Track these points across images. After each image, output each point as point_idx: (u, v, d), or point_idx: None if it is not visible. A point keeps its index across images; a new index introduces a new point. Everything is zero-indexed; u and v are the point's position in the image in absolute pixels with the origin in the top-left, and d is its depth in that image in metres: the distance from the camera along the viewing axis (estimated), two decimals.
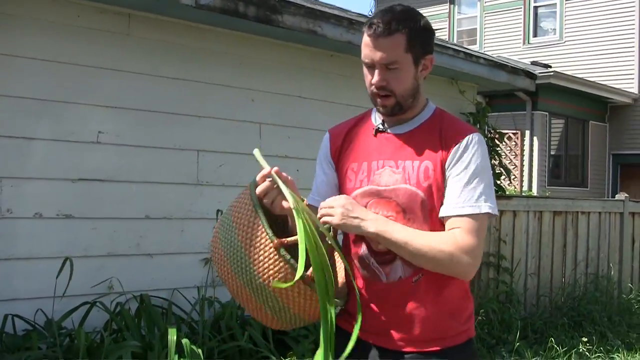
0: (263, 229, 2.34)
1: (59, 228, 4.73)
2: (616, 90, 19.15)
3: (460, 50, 7.43)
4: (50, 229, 4.69)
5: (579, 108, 18.87)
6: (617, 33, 19.80)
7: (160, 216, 5.19)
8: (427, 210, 2.44)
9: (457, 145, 2.45)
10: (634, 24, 19.59)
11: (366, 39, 2.45)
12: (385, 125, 2.58)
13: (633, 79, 19.65)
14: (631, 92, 19.52)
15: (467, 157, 2.44)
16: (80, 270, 4.63)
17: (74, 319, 4.62)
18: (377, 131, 2.58)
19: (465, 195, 2.40)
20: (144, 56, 5.16)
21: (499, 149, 8.33)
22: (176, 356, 4.31)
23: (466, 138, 2.46)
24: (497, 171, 8.24)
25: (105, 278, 4.90)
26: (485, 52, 14.80)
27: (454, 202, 2.40)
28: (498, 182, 8.40)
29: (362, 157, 2.58)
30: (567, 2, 20.80)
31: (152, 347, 4.46)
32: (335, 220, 2.36)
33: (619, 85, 19.48)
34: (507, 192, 10.81)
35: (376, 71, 2.44)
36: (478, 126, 7.88)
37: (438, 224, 2.44)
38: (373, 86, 2.47)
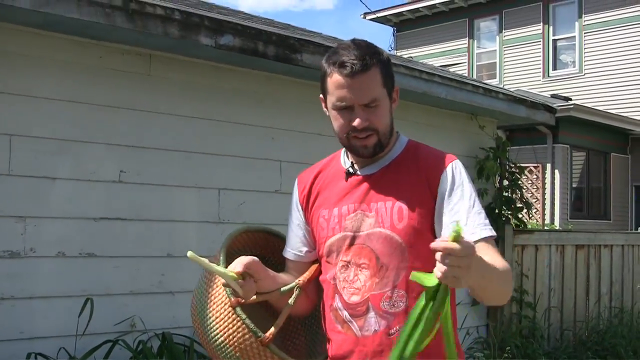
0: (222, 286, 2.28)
1: (81, 267, 4.75)
2: (637, 121, 19.10)
3: (479, 86, 7.45)
4: (72, 267, 4.72)
5: (600, 140, 18.82)
6: (637, 64, 19.76)
7: (182, 254, 5.15)
8: (404, 254, 2.29)
9: (443, 175, 2.33)
10: None
11: (340, 80, 2.28)
12: (355, 167, 2.45)
13: None
14: None
15: (458, 183, 2.33)
16: (103, 308, 4.65)
17: (97, 358, 4.63)
18: (348, 174, 2.45)
19: (473, 220, 2.27)
20: (165, 95, 5.21)
21: (520, 182, 8.30)
22: None
23: (450, 166, 2.36)
24: (518, 205, 8.21)
25: (127, 316, 4.91)
26: (505, 86, 14.82)
27: (467, 229, 2.22)
28: (520, 215, 8.37)
29: (332, 203, 2.44)
30: (585, 34, 20.83)
31: None
32: (464, 281, 1.92)
33: (639, 116, 19.41)
34: (529, 226, 10.76)
35: (357, 112, 2.29)
36: (499, 161, 7.88)
37: (415, 267, 2.18)
38: (350, 129, 2.32)
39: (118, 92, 4.98)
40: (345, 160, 2.51)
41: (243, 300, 2.23)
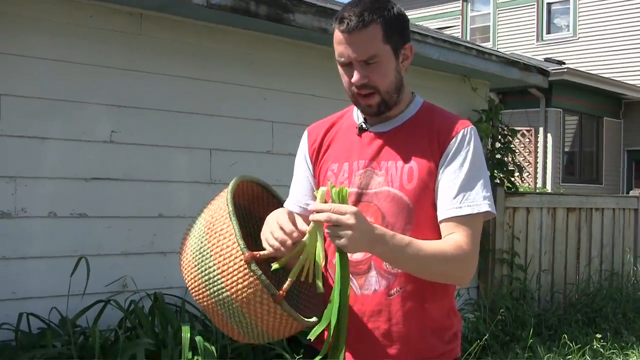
0: (235, 239, 2.16)
1: (73, 227, 4.76)
2: (630, 86, 19.10)
3: (472, 48, 7.43)
4: (64, 228, 4.72)
5: (593, 105, 18.83)
6: (631, 29, 19.76)
7: (173, 215, 5.21)
8: (411, 215, 2.28)
9: (452, 141, 2.30)
10: None
11: (339, 36, 2.26)
12: (368, 123, 2.41)
13: None
14: None
15: (463, 153, 2.28)
16: (94, 268, 4.65)
17: (89, 317, 4.64)
18: (361, 130, 2.41)
19: (463, 194, 2.25)
20: (156, 56, 5.19)
21: (512, 145, 8.31)
22: (190, 353, 4.34)
23: (461, 132, 2.31)
24: (510, 168, 8.23)
25: (119, 276, 4.92)
26: (499, 50, 14.78)
27: (451, 203, 2.26)
28: (512, 179, 8.38)
29: (343, 157, 2.41)
30: None
31: (165, 345, 4.48)
32: (346, 246, 2.05)
33: (633, 81, 19.43)
34: (521, 189, 10.78)
35: (355, 68, 2.26)
36: (491, 123, 7.87)
37: (421, 229, 2.28)
38: (353, 86, 2.29)
39: (109, 51, 4.95)
40: (358, 115, 2.46)
41: (258, 255, 2.15)
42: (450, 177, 2.28)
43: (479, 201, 2.26)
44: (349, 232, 2.02)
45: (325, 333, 2.20)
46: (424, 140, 2.34)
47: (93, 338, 4.26)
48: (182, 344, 4.34)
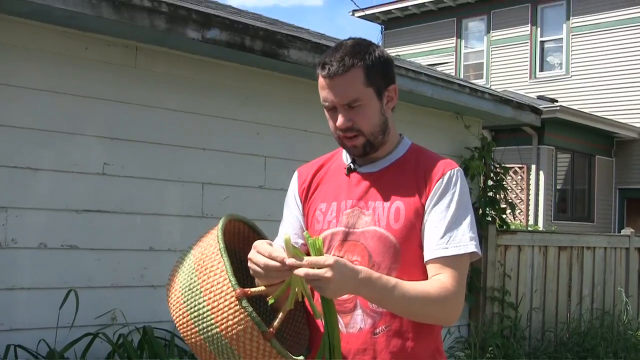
0: (226, 275, 2.15)
1: (63, 258, 4.73)
2: (622, 125, 19.18)
3: (466, 86, 7.47)
4: (54, 259, 4.70)
5: (585, 142, 18.89)
6: (623, 68, 19.86)
7: (164, 248, 5.20)
8: (397, 255, 2.30)
9: (438, 182, 2.32)
10: None
11: (321, 81, 2.31)
12: (356, 164, 2.45)
13: (639, 113, 19.66)
14: (637, 127, 19.55)
15: (449, 194, 2.31)
16: (84, 301, 4.63)
17: (77, 350, 4.61)
18: (349, 170, 2.44)
19: (449, 235, 2.27)
20: (150, 88, 5.20)
21: (504, 183, 8.32)
22: None
23: (448, 173, 2.34)
24: (502, 206, 8.23)
25: (108, 309, 4.89)
26: (492, 86, 14.84)
27: (437, 244, 2.27)
28: (504, 216, 8.39)
29: (332, 197, 2.43)
30: (573, 36, 20.90)
31: None
32: (327, 294, 2.07)
33: (625, 119, 19.51)
34: (513, 227, 10.79)
35: (339, 112, 2.30)
36: (483, 161, 7.89)
37: (407, 269, 2.30)
38: (339, 129, 2.33)
39: (103, 83, 4.96)
40: (347, 156, 2.50)
41: (249, 292, 2.15)
42: (437, 218, 2.30)
43: (466, 242, 2.28)
44: (329, 285, 2.02)
45: None
46: (411, 180, 2.37)
47: None
48: None
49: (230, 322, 2.13)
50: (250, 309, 2.12)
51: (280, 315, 2.19)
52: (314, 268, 2.02)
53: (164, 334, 5.04)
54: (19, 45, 4.60)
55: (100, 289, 4.90)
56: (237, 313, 2.12)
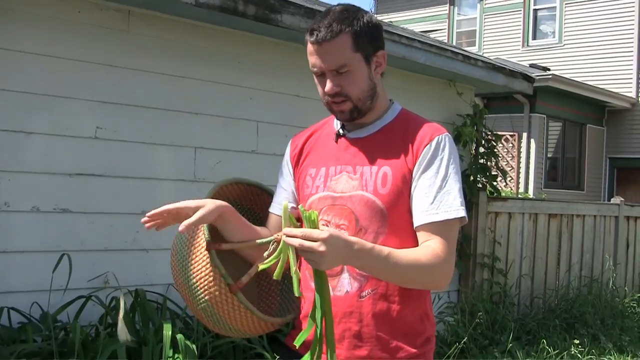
0: (202, 229, 2.29)
1: (55, 222, 4.75)
2: (614, 94, 19.22)
3: (459, 53, 7.46)
4: (47, 222, 4.71)
5: (576, 111, 18.93)
6: (616, 37, 19.86)
7: None
8: (384, 219, 2.32)
9: (426, 147, 2.34)
10: (633, 28, 19.66)
11: (310, 48, 2.33)
12: (346, 129, 2.48)
13: (631, 83, 19.72)
14: (629, 97, 19.58)
15: (438, 159, 2.33)
16: (76, 264, 4.64)
17: (70, 313, 4.64)
18: (338, 136, 2.48)
19: (439, 200, 2.29)
20: (143, 53, 5.18)
21: (496, 150, 8.35)
22: (171, 351, 4.34)
23: (436, 139, 2.36)
24: (493, 173, 8.26)
25: (101, 272, 4.92)
26: (484, 54, 14.82)
27: (427, 209, 2.29)
28: (494, 183, 8.42)
29: (321, 162, 2.47)
30: (567, 5, 20.86)
31: (146, 342, 4.49)
32: (321, 267, 2.09)
33: (617, 89, 19.54)
34: (503, 194, 10.83)
35: (327, 78, 2.33)
36: (475, 128, 7.91)
37: (395, 234, 2.33)
38: (327, 95, 2.36)
39: (96, 47, 4.94)
40: (337, 122, 2.53)
41: (220, 246, 2.23)
42: (426, 184, 2.32)
43: (456, 206, 2.31)
44: (322, 259, 2.04)
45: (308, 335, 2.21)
46: (399, 146, 2.39)
47: (74, 334, 4.26)
48: (163, 341, 4.34)
49: (203, 273, 2.26)
50: (217, 260, 2.24)
51: (250, 270, 2.27)
52: (307, 240, 2.04)
53: (156, 297, 5.07)
54: (12, 9, 4.58)
55: (93, 252, 4.92)
56: (207, 264, 2.25)
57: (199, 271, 2.25)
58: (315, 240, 2.03)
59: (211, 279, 2.23)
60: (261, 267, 2.19)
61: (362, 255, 2.15)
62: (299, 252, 2.07)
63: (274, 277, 2.14)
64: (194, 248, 2.29)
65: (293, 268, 2.10)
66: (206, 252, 2.24)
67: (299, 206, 2.18)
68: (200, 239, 2.28)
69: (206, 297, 2.25)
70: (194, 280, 2.26)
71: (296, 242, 2.04)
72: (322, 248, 2.02)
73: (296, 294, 2.15)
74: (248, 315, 2.28)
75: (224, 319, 2.28)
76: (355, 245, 2.13)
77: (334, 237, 2.06)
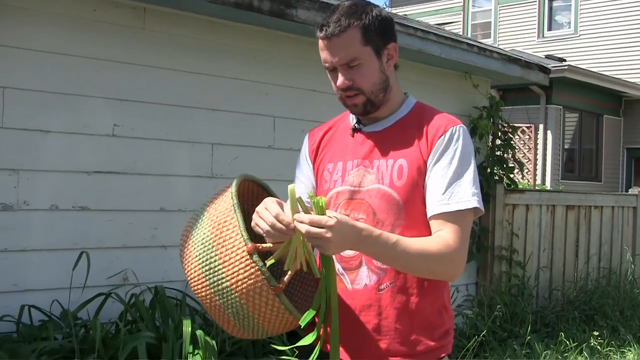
0: (238, 231, 2.21)
1: (74, 220, 4.77)
2: (631, 84, 19.12)
3: (474, 45, 7.44)
4: (65, 220, 4.73)
5: (593, 102, 18.84)
6: (632, 27, 19.76)
7: (175, 208, 5.23)
8: (401, 212, 2.34)
9: (440, 139, 2.35)
10: None
11: (320, 43, 2.35)
12: (362, 124, 2.49)
13: None
14: None
15: (451, 150, 2.34)
16: (96, 261, 4.67)
17: (89, 310, 4.66)
18: (354, 130, 2.49)
19: (451, 191, 2.30)
20: (159, 50, 5.20)
21: (512, 142, 8.32)
22: (190, 347, 4.35)
23: (450, 130, 2.37)
24: (510, 165, 8.24)
25: (120, 270, 4.94)
26: (500, 46, 14.77)
27: (439, 199, 2.30)
28: (511, 175, 8.39)
29: (338, 157, 2.49)
30: None
31: (166, 338, 4.50)
32: (328, 253, 2.14)
33: (633, 79, 19.44)
34: (520, 186, 10.80)
35: (339, 72, 2.35)
36: (491, 120, 7.89)
37: (412, 225, 2.34)
38: (340, 89, 2.37)
39: (112, 45, 4.96)
40: (353, 117, 2.54)
41: (260, 247, 2.20)
42: (439, 174, 2.33)
43: (468, 197, 2.31)
44: (329, 244, 2.07)
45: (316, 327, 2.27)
46: (414, 138, 2.39)
47: (94, 331, 4.28)
48: (183, 337, 4.36)
49: (240, 276, 2.19)
50: (261, 263, 2.17)
51: (289, 272, 2.23)
52: (315, 227, 2.07)
53: (175, 293, 5.09)
54: (29, 9, 4.60)
55: (111, 249, 4.94)
56: (248, 267, 2.18)
57: (235, 274, 2.20)
58: (322, 227, 2.06)
59: (250, 282, 2.18)
60: (269, 261, 2.19)
61: (370, 241, 2.17)
62: (307, 238, 2.10)
63: (285, 268, 2.16)
64: (223, 248, 2.23)
65: (312, 260, 2.14)
66: (246, 254, 2.18)
67: (308, 191, 2.24)
68: (234, 239, 2.22)
69: (242, 301, 2.21)
70: (227, 282, 2.20)
71: (304, 228, 2.07)
72: (328, 234, 2.05)
73: (316, 275, 2.20)
74: (286, 316, 2.25)
75: (256, 320, 2.25)
76: (363, 231, 2.16)
77: (341, 223, 2.09)
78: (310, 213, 2.11)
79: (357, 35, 2.31)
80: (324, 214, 2.10)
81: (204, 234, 2.29)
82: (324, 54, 2.36)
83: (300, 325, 2.26)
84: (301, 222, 2.08)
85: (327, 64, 2.37)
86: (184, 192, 5.31)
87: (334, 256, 2.26)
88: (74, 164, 4.78)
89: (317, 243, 2.09)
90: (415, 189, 2.34)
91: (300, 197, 2.14)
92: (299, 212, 2.12)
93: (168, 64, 5.23)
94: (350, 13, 2.32)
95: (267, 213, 2.17)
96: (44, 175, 4.65)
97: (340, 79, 2.35)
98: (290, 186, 2.14)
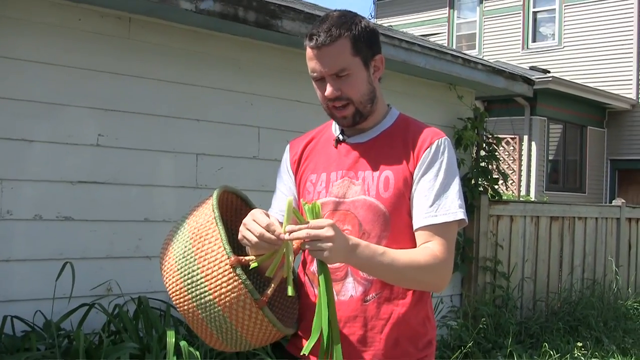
0: (220, 243, 2.20)
1: (58, 230, 4.75)
2: (614, 96, 19.22)
3: (459, 56, 7.46)
4: (49, 230, 4.71)
5: (577, 113, 18.93)
6: (616, 39, 19.87)
7: (159, 219, 5.21)
8: (387, 223, 2.34)
9: (427, 151, 2.37)
10: (632, 30, 19.67)
11: (309, 52, 2.34)
12: (345, 135, 2.49)
13: (631, 84, 19.71)
14: (629, 98, 19.58)
15: (437, 163, 2.36)
16: (79, 272, 4.64)
17: (73, 321, 4.64)
18: (338, 142, 2.49)
19: (438, 203, 2.32)
20: (144, 59, 5.19)
21: (497, 153, 8.35)
22: (174, 358, 4.33)
23: (436, 143, 2.39)
24: (494, 176, 8.26)
25: (104, 280, 4.92)
26: (484, 57, 14.82)
27: (427, 212, 2.32)
28: (496, 186, 8.41)
29: (321, 168, 2.48)
30: (566, 7, 20.87)
31: (150, 349, 4.48)
32: (328, 258, 2.10)
33: (617, 91, 19.54)
34: (505, 197, 10.83)
35: (328, 82, 2.34)
36: (476, 131, 7.91)
37: (397, 237, 2.35)
38: (327, 99, 2.36)
39: (97, 55, 4.95)
40: (336, 127, 2.54)
41: (243, 260, 2.19)
42: (426, 187, 2.34)
43: (455, 209, 2.33)
44: (330, 244, 2.07)
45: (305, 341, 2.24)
46: (400, 150, 2.41)
47: (77, 342, 4.25)
48: (166, 348, 4.34)
49: (223, 289, 2.18)
50: (244, 276, 2.17)
51: (273, 284, 2.22)
52: (314, 229, 2.08)
53: (159, 304, 5.07)
54: (13, 18, 4.58)
55: (95, 260, 4.92)
56: (231, 280, 2.17)
57: (218, 287, 2.18)
58: (322, 227, 2.07)
59: (233, 295, 2.17)
60: (252, 264, 2.19)
61: (359, 250, 2.18)
62: (306, 245, 2.09)
63: (267, 274, 2.15)
64: (204, 261, 2.21)
65: (287, 269, 2.13)
66: (228, 267, 2.17)
67: (302, 201, 2.23)
68: (216, 252, 2.20)
69: (225, 314, 2.20)
70: (210, 296, 2.19)
71: (303, 233, 2.07)
72: (329, 232, 2.07)
73: (290, 294, 2.17)
74: (269, 329, 2.25)
75: (239, 333, 2.24)
76: (350, 240, 2.17)
77: (336, 226, 2.11)
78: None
79: (348, 46, 2.32)
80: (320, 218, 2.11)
81: (185, 246, 2.27)
82: (312, 64, 2.35)
83: (285, 337, 2.26)
84: (299, 229, 2.08)
85: (315, 74, 2.36)
86: (169, 202, 5.29)
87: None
88: (58, 173, 4.76)
89: (317, 246, 2.08)
90: (402, 201, 2.36)
91: (296, 209, 2.14)
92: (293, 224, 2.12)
93: (153, 74, 5.22)
94: (340, 23, 2.33)
95: (254, 224, 2.17)
96: (27, 185, 4.63)
97: (329, 89, 2.34)
98: (288, 199, 2.14)
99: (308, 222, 2.11)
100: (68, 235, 4.79)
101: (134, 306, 4.92)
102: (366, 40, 2.37)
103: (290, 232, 2.10)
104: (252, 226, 2.17)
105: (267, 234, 2.13)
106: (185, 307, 2.26)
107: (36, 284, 4.62)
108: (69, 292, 4.54)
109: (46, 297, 4.58)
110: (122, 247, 5.06)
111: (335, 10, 2.43)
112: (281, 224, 2.18)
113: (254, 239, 2.15)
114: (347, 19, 2.37)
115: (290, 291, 2.17)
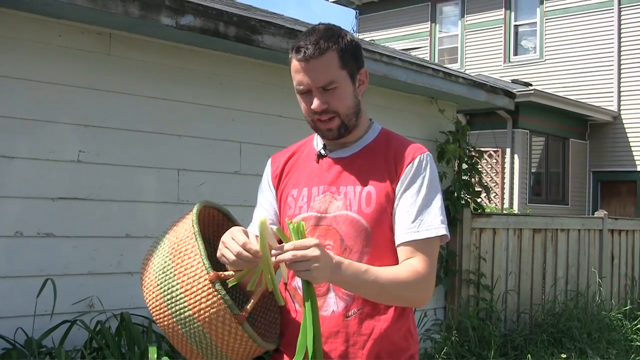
0: (200, 259, 2.19)
1: (39, 246, 4.73)
2: (596, 108, 19.31)
3: (440, 70, 7.49)
4: (30, 247, 4.69)
5: (559, 126, 19.01)
6: (597, 51, 19.98)
7: (141, 235, 5.20)
8: (369, 238, 2.34)
9: (409, 166, 2.36)
10: (613, 43, 19.79)
11: (296, 65, 2.33)
12: (327, 149, 2.48)
13: (612, 96, 19.82)
14: (611, 110, 19.67)
15: (419, 179, 2.35)
16: (61, 288, 4.62)
17: (54, 338, 4.62)
18: (319, 156, 2.48)
19: (420, 218, 2.31)
20: (125, 76, 5.18)
21: (479, 166, 8.37)
22: None
23: (418, 158, 2.38)
24: (477, 189, 8.28)
25: (85, 296, 4.90)
26: (467, 71, 14.88)
27: (409, 227, 2.31)
28: (478, 199, 8.44)
29: (303, 182, 2.47)
30: (547, 20, 20.98)
31: None
32: (314, 278, 2.09)
33: (598, 103, 19.64)
34: (488, 210, 10.85)
35: (315, 95, 2.33)
36: (458, 145, 7.93)
37: (379, 252, 2.34)
38: (313, 112, 2.35)
39: (77, 71, 4.94)
40: (318, 142, 2.54)
41: (222, 275, 2.19)
42: (408, 202, 2.34)
43: (437, 225, 2.33)
44: (316, 264, 2.06)
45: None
46: (382, 165, 2.40)
47: (59, 359, 4.23)
48: None
49: (203, 305, 2.17)
50: (224, 292, 2.16)
51: (253, 299, 2.22)
52: (300, 250, 2.06)
53: (141, 320, 5.05)
54: None
55: (77, 276, 4.90)
56: (210, 296, 2.16)
57: (197, 302, 2.18)
58: (307, 247, 2.06)
59: (213, 310, 2.17)
60: (230, 282, 2.19)
61: (342, 269, 2.17)
62: (292, 265, 2.07)
63: (248, 288, 2.15)
64: (186, 277, 2.21)
65: (272, 283, 2.13)
66: (208, 282, 2.17)
67: (286, 219, 2.21)
68: (195, 267, 2.20)
69: (204, 330, 2.19)
70: (189, 311, 2.18)
71: (288, 255, 2.06)
72: (316, 252, 2.05)
73: (280, 303, 2.19)
74: (249, 344, 2.24)
75: (219, 348, 2.23)
76: (333, 258, 2.15)
77: (321, 245, 2.10)
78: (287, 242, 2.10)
79: (335, 59, 2.32)
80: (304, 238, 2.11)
81: (165, 262, 2.27)
82: (299, 76, 2.34)
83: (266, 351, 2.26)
84: (284, 251, 2.07)
85: (302, 87, 2.35)
86: (150, 218, 5.28)
87: (299, 284, 2.25)
88: (39, 190, 4.74)
89: (302, 267, 2.06)
90: (383, 216, 2.35)
91: (280, 229, 2.15)
92: (268, 243, 2.11)
93: (134, 89, 5.22)
94: (328, 36, 2.33)
95: (233, 242, 2.16)
96: (8, 202, 4.61)
97: (316, 102, 2.33)
98: (262, 218, 2.13)
99: (292, 242, 2.09)
100: (49, 252, 4.77)
101: (116, 322, 4.90)
102: (352, 54, 2.38)
103: (277, 255, 2.09)
104: (230, 244, 2.17)
105: (245, 253, 2.13)
106: (165, 323, 2.26)
107: (17, 301, 4.60)
108: (51, 308, 4.52)
109: (27, 314, 4.56)
110: (103, 263, 5.04)
111: (320, 24, 2.43)
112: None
113: (232, 257, 2.15)
114: (334, 32, 2.37)
115: (279, 300, 2.18)
